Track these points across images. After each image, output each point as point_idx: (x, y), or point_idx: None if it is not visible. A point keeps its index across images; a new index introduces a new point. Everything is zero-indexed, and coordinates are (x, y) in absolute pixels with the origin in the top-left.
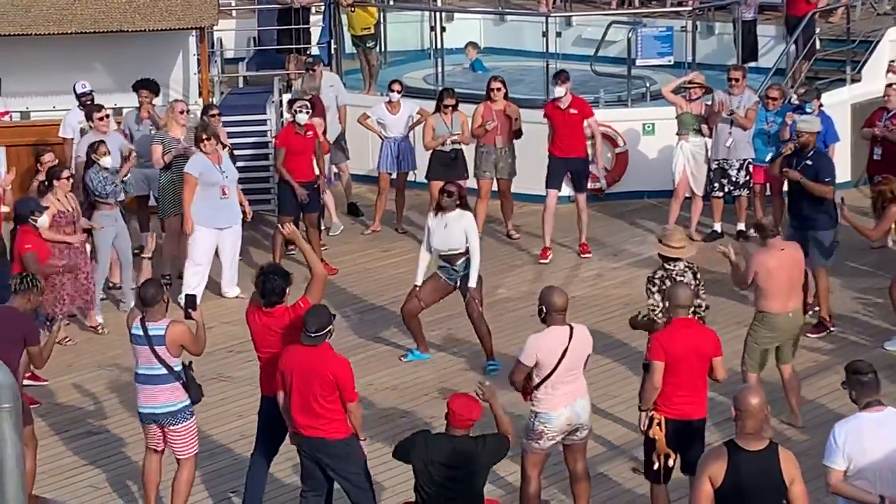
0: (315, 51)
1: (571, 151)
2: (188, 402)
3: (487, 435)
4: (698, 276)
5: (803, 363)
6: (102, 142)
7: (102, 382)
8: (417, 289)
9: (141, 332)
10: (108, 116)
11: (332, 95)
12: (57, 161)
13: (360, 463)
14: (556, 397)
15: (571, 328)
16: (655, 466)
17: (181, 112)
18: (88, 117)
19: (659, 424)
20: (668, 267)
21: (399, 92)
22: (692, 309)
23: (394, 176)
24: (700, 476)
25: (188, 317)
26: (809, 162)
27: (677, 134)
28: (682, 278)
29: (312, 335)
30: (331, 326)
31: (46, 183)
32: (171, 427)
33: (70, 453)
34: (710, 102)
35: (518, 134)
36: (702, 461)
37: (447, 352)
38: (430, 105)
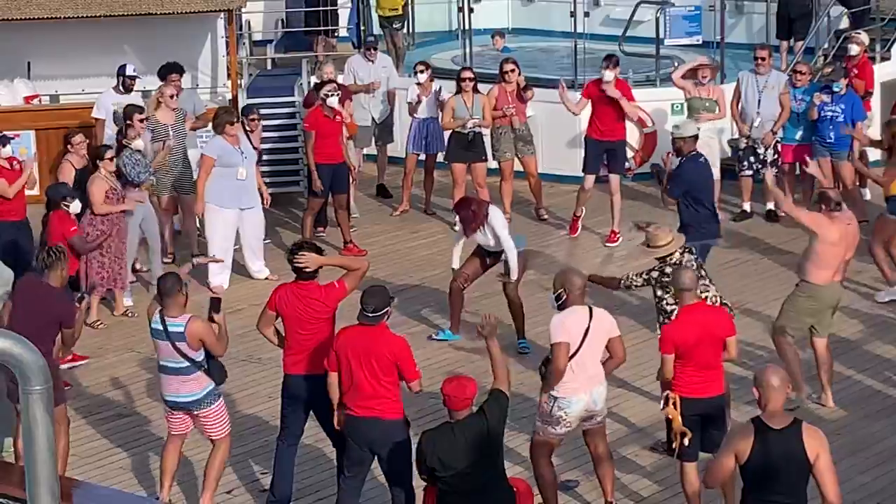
0: (343, 33)
1: (609, 134)
2: (213, 386)
3: (484, 404)
4: (692, 251)
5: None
6: (130, 125)
7: (132, 365)
8: (460, 269)
9: (161, 327)
10: (146, 120)
11: (385, 77)
12: (88, 141)
13: (408, 447)
14: (577, 381)
15: (591, 309)
16: (674, 445)
17: (171, 96)
18: (128, 117)
19: (674, 404)
20: (661, 265)
21: (425, 72)
22: (710, 280)
23: (422, 157)
24: (725, 450)
25: (210, 319)
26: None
27: (689, 117)
28: (680, 265)
29: (370, 315)
30: (388, 308)
31: (91, 164)
32: (202, 411)
33: (100, 436)
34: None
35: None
36: (729, 436)
37: (475, 334)
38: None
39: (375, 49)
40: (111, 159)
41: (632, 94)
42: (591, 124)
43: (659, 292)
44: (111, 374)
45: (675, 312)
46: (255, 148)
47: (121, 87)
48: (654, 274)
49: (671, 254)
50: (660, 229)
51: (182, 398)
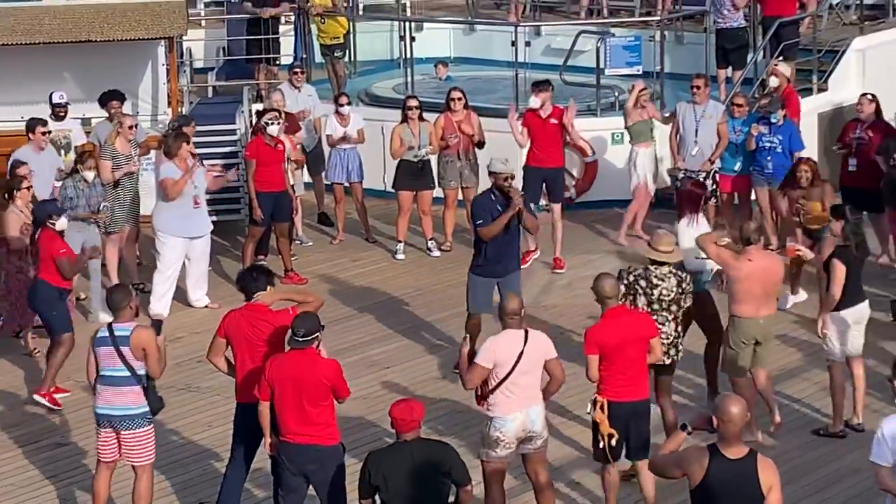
0: (284, 61)
1: (547, 161)
2: (147, 408)
3: (453, 450)
4: (685, 285)
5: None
6: (91, 154)
7: (70, 394)
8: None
9: (107, 334)
10: (49, 132)
11: (311, 104)
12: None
13: (343, 473)
14: (510, 401)
15: (527, 332)
16: (601, 446)
17: (130, 128)
18: (30, 129)
19: (602, 407)
20: (650, 268)
21: (347, 104)
22: (672, 317)
23: (346, 185)
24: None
25: None
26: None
27: (633, 143)
28: (661, 282)
29: (300, 339)
30: (318, 333)
31: (6, 196)
32: (128, 432)
33: (37, 465)
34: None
35: (480, 145)
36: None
37: (419, 359)
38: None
39: (302, 72)
40: (28, 189)
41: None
42: (529, 152)
43: (627, 294)
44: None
45: None
46: (193, 155)
47: (51, 116)
48: (640, 271)
49: (662, 265)
50: (668, 235)
51: (115, 410)
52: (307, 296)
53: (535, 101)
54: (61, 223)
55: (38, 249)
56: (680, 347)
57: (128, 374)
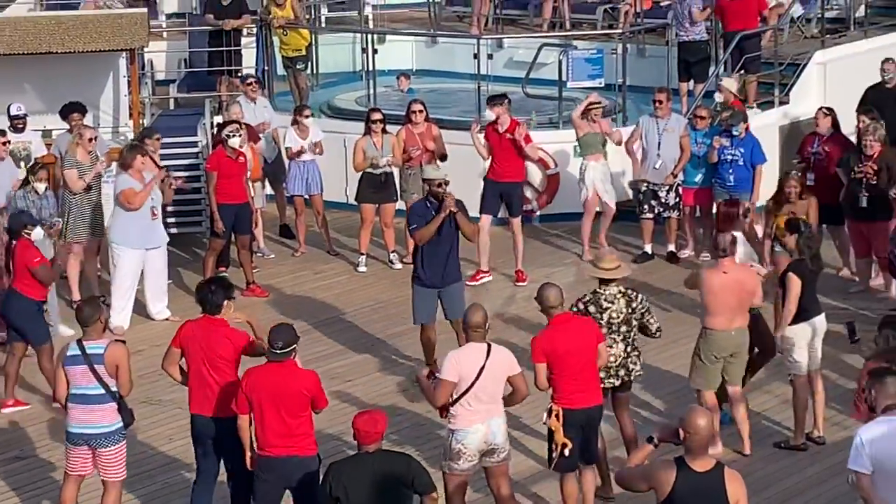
0: (246, 73)
1: (505, 175)
2: (122, 424)
3: (415, 462)
4: (635, 304)
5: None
6: (45, 166)
7: (31, 407)
8: None
9: (78, 352)
10: (7, 143)
11: (268, 116)
12: None
13: (318, 481)
14: (472, 413)
15: (489, 346)
16: (554, 455)
17: (90, 139)
18: None
19: (557, 415)
20: (598, 290)
21: (308, 116)
22: (622, 337)
23: (306, 197)
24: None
25: None
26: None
27: (582, 155)
28: (610, 304)
29: (279, 351)
30: (296, 345)
31: None
32: (104, 449)
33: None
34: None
35: (442, 158)
36: (651, 465)
37: (381, 371)
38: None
39: (257, 83)
40: None
41: (528, 135)
42: (490, 166)
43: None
44: (9, 415)
45: None
46: (160, 167)
47: (10, 129)
48: (588, 296)
49: (610, 282)
50: (612, 253)
51: (90, 429)
52: (260, 334)
53: (489, 115)
54: (36, 233)
55: (13, 260)
56: (631, 367)
57: (102, 391)
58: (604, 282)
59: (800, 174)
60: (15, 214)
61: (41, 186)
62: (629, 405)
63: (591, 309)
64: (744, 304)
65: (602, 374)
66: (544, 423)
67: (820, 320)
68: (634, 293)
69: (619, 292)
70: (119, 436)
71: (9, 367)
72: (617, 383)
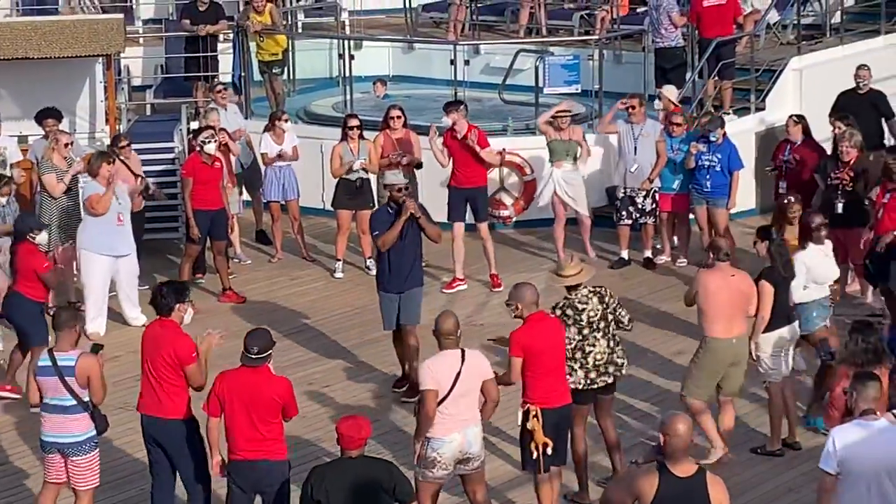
0: (223, 79)
1: (467, 181)
2: (94, 432)
3: (397, 470)
4: (607, 299)
5: None
6: (9, 180)
7: (7, 414)
8: None
9: (49, 363)
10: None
11: (240, 122)
12: None
13: (289, 488)
14: (448, 422)
15: (463, 352)
16: (535, 456)
17: (65, 145)
18: None
19: (536, 416)
20: (569, 296)
21: (287, 121)
22: (603, 333)
23: (282, 203)
24: (623, 486)
25: None
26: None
27: (549, 161)
28: (584, 305)
29: (254, 357)
30: (271, 351)
31: None
32: (76, 458)
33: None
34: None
35: (418, 165)
36: (632, 476)
37: (358, 377)
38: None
39: (225, 89)
40: None
41: (485, 139)
42: (452, 173)
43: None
44: None
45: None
46: (137, 175)
47: None
48: (562, 302)
49: (577, 286)
50: (571, 259)
51: (62, 438)
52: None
53: (445, 121)
54: (41, 237)
55: (16, 262)
56: (620, 362)
57: (74, 402)
58: (571, 287)
59: (799, 196)
60: (20, 218)
61: (2, 200)
62: (612, 410)
63: (569, 312)
64: (740, 308)
65: (593, 375)
66: (522, 425)
67: (793, 327)
68: (603, 289)
69: (590, 292)
70: (91, 444)
71: (14, 354)
72: (610, 380)
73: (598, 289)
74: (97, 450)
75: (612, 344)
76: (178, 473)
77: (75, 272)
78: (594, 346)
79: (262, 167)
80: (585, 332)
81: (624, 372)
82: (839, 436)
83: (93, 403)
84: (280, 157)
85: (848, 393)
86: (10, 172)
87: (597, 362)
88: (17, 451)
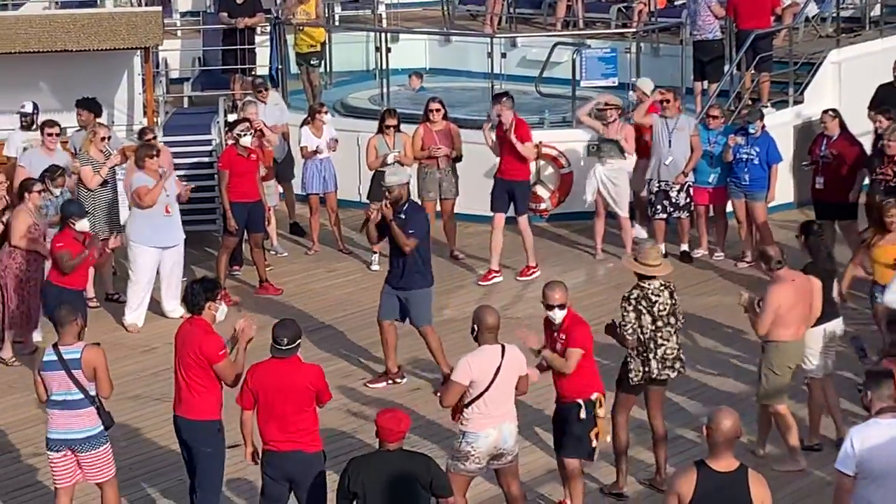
0: (260, 72)
1: (508, 174)
2: (102, 427)
3: (435, 465)
4: (675, 295)
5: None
6: (63, 172)
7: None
8: None
9: (55, 357)
10: (58, 134)
11: (278, 114)
12: (8, 182)
13: (325, 479)
14: (486, 417)
15: (503, 347)
16: (594, 445)
17: (102, 138)
18: (41, 130)
19: (599, 402)
20: (643, 285)
21: (326, 113)
22: (674, 329)
23: (321, 195)
24: (669, 493)
25: None
26: (403, 216)
27: (596, 156)
28: (657, 297)
29: (284, 348)
30: (300, 340)
31: (18, 196)
32: (88, 453)
33: (16, 473)
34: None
35: (458, 158)
36: (671, 478)
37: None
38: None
39: (266, 90)
40: (39, 192)
41: (528, 133)
42: (499, 163)
43: (632, 315)
44: (22, 410)
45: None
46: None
47: (21, 127)
48: (636, 292)
49: (652, 278)
50: (654, 248)
51: (71, 434)
52: (239, 356)
53: (493, 114)
54: (82, 224)
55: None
56: (683, 359)
57: (81, 396)
58: (644, 277)
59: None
60: (64, 204)
61: (57, 191)
62: (663, 402)
63: (644, 303)
64: (808, 309)
65: (660, 366)
66: (587, 413)
67: (836, 324)
68: (673, 284)
69: (662, 285)
70: (102, 438)
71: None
72: (673, 375)
73: (668, 283)
74: (108, 442)
75: (678, 340)
76: (194, 473)
77: (113, 263)
78: (668, 340)
79: (302, 160)
80: (659, 324)
81: (684, 371)
82: (857, 436)
83: (99, 399)
84: (319, 150)
85: (862, 392)
86: None
87: (666, 356)
88: (28, 450)
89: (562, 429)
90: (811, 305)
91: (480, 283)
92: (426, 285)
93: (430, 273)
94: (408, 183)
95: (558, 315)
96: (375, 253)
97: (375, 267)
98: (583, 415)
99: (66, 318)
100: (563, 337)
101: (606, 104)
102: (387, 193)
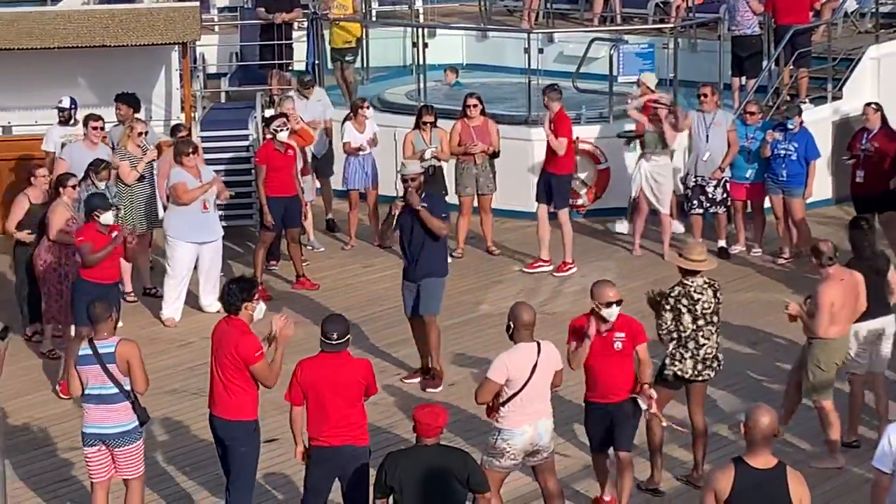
0: (297, 67)
1: (548, 166)
2: (137, 422)
3: (472, 460)
4: (719, 294)
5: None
6: (108, 165)
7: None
8: None
9: (90, 352)
10: (102, 128)
11: (321, 109)
12: (50, 175)
13: (368, 471)
14: (522, 414)
15: (539, 344)
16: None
17: (139, 133)
18: (84, 124)
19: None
20: (686, 283)
21: (369, 108)
22: (715, 328)
23: (362, 191)
24: (706, 490)
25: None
26: (425, 203)
27: (641, 153)
28: (700, 295)
29: (334, 342)
30: (349, 335)
31: (54, 191)
32: (122, 448)
33: (53, 467)
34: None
35: (495, 154)
36: (708, 474)
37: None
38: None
39: (312, 86)
40: (74, 187)
41: (567, 128)
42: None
43: (668, 315)
44: (62, 403)
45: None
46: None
47: (59, 123)
48: (678, 289)
49: (695, 275)
50: (698, 244)
51: (106, 429)
52: (277, 356)
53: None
54: (106, 217)
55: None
56: (720, 357)
57: (116, 390)
58: (688, 273)
59: None
60: (89, 197)
61: (101, 184)
62: (704, 398)
63: (684, 302)
64: (857, 305)
65: (700, 367)
66: (644, 408)
67: (886, 321)
68: (717, 283)
69: (706, 283)
70: (137, 433)
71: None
72: (712, 375)
73: (712, 282)
74: (142, 438)
75: (718, 339)
76: (229, 471)
77: (151, 257)
78: (708, 339)
79: (344, 156)
80: (700, 322)
81: (721, 367)
82: (894, 433)
83: (134, 394)
84: (363, 147)
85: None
86: None
87: (706, 355)
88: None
89: (621, 424)
90: (858, 302)
91: (526, 270)
92: (442, 274)
93: (446, 262)
94: (423, 173)
95: (614, 312)
96: None
97: None
98: (643, 405)
99: (101, 315)
100: (622, 335)
101: (656, 101)
102: (410, 182)
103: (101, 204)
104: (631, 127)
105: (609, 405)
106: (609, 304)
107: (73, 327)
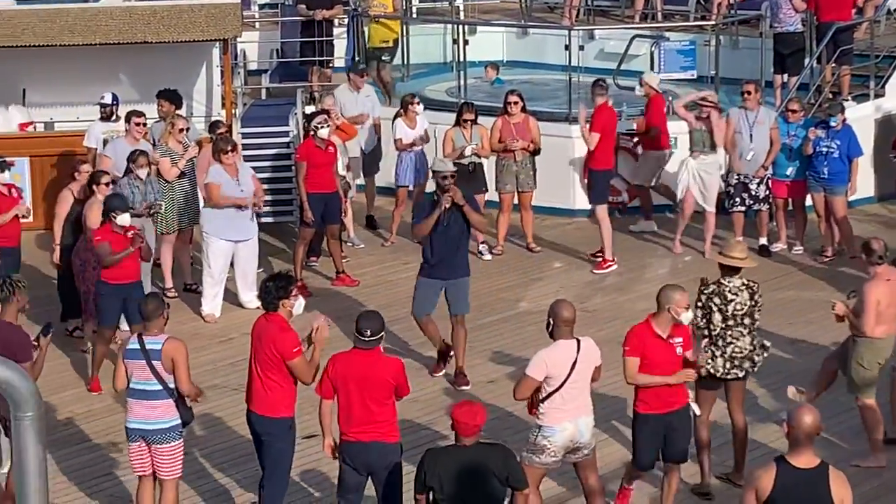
0: (337, 64)
1: (591, 162)
2: (179, 421)
3: (512, 457)
4: (757, 296)
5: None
6: (144, 152)
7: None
8: None
9: (137, 347)
10: (144, 125)
11: (370, 105)
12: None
13: (401, 470)
14: (562, 411)
15: (579, 341)
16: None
17: (180, 130)
18: (127, 120)
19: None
20: (723, 282)
21: (419, 104)
22: (748, 329)
23: (411, 188)
24: (747, 488)
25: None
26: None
27: (689, 150)
28: (734, 296)
29: (367, 339)
30: (383, 333)
31: (88, 189)
32: (160, 446)
33: (94, 462)
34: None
35: (536, 151)
36: (750, 473)
37: (470, 362)
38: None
39: (365, 75)
40: (107, 185)
41: (600, 124)
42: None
43: (699, 312)
44: (98, 399)
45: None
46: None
47: (101, 119)
48: (712, 287)
49: (734, 274)
50: (740, 242)
51: (148, 425)
52: (315, 355)
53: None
54: (122, 218)
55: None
56: (756, 359)
57: (160, 387)
58: (727, 272)
59: None
60: (108, 197)
61: (143, 172)
62: (744, 396)
63: (716, 301)
64: None
65: (728, 365)
66: (699, 414)
67: None
68: (756, 285)
69: (743, 284)
70: (176, 433)
71: (98, 352)
72: (741, 374)
73: (751, 283)
74: (182, 439)
75: (753, 342)
76: (264, 466)
77: (192, 254)
78: (737, 339)
79: (396, 152)
80: (730, 322)
81: (757, 369)
82: None
83: (179, 393)
84: (414, 143)
85: None
86: None
87: (734, 355)
88: (105, 439)
89: (680, 430)
90: None
91: (595, 271)
92: (469, 273)
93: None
94: (453, 173)
95: (689, 315)
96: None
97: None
98: (697, 411)
99: (154, 312)
100: (680, 339)
101: (704, 99)
102: (448, 179)
103: (119, 205)
104: (632, 126)
105: (668, 415)
106: (687, 308)
107: (86, 325)
